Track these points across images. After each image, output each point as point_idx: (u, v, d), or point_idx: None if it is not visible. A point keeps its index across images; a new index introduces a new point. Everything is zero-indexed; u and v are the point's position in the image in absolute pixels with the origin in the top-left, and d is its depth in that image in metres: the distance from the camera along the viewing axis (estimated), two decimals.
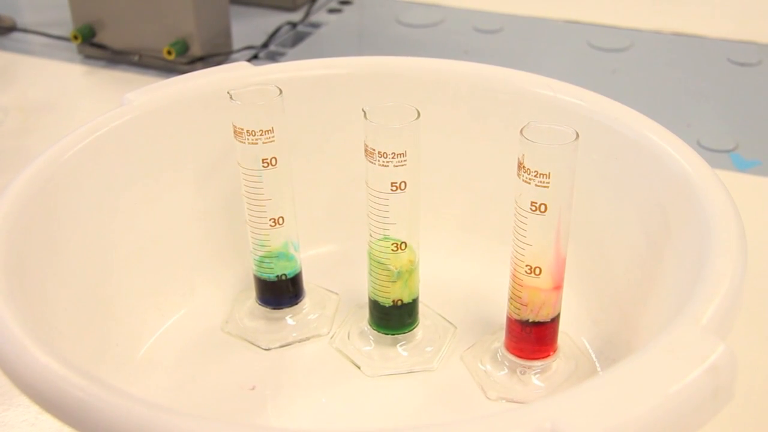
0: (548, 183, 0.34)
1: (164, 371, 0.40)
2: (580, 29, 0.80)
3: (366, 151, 0.36)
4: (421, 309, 0.42)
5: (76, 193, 0.38)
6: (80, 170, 0.39)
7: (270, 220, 0.41)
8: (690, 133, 0.62)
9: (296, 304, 0.44)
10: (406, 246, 0.38)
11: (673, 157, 0.37)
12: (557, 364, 0.39)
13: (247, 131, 0.39)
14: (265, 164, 0.39)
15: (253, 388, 0.39)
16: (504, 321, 0.39)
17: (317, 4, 0.85)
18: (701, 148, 0.60)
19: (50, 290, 0.36)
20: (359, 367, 0.40)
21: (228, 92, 0.38)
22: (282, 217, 0.41)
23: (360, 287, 0.42)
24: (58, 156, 0.38)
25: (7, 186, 0.36)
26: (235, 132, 0.39)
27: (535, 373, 0.39)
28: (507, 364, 0.39)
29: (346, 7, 0.85)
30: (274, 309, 0.43)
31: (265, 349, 0.42)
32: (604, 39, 0.77)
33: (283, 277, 0.42)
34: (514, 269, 0.37)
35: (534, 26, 0.81)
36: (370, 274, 0.40)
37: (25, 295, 0.32)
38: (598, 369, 0.40)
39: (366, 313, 0.42)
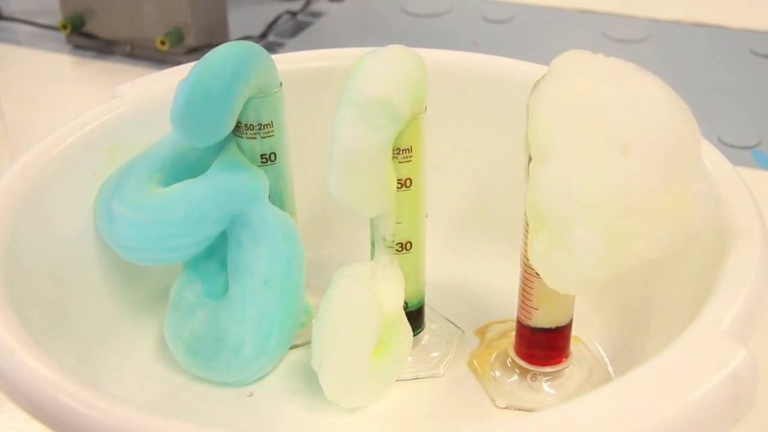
0: None
1: (159, 376, 0.40)
2: (594, 19, 0.80)
3: None
4: (427, 312, 0.42)
5: (65, 190, 0.39)
6: (70, 166, 0.39)
7: None
8: (710, 128, 0.62)
9: None
10: (411, 246, 0.39)
11: None
12: (570, 370, 0.39)
13: (246, 125, 0.39)
14: (264, 160, 0.39)
15: (250, 395, 0.39)
16: (514, 325, 0.39)
17: None
18: (722, 144, 0.60)
19: (39, 292, 0.36)
20: None
21: None
22: None
23: None
24: (47, 151, 0.38)
25: None
26: None
27: (547, 380, 0.39)
28: (517, 370, 0.39)
29: None
30: None
31: None
32: (619, 29, 0.77)
33: None
34: (525, 271, 0.37)
35: (546, 16, 0.81)
36: None
37: (13, 297, 0.32)
38: (613, 375, 0.40)
39: None
